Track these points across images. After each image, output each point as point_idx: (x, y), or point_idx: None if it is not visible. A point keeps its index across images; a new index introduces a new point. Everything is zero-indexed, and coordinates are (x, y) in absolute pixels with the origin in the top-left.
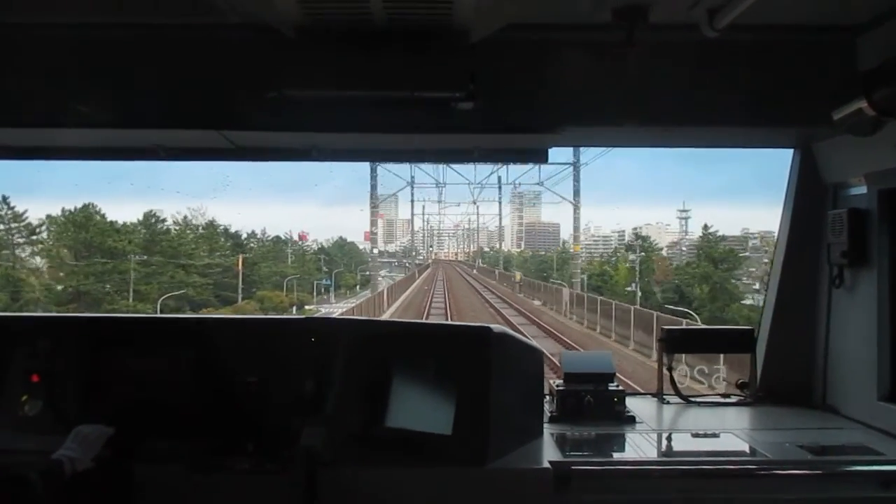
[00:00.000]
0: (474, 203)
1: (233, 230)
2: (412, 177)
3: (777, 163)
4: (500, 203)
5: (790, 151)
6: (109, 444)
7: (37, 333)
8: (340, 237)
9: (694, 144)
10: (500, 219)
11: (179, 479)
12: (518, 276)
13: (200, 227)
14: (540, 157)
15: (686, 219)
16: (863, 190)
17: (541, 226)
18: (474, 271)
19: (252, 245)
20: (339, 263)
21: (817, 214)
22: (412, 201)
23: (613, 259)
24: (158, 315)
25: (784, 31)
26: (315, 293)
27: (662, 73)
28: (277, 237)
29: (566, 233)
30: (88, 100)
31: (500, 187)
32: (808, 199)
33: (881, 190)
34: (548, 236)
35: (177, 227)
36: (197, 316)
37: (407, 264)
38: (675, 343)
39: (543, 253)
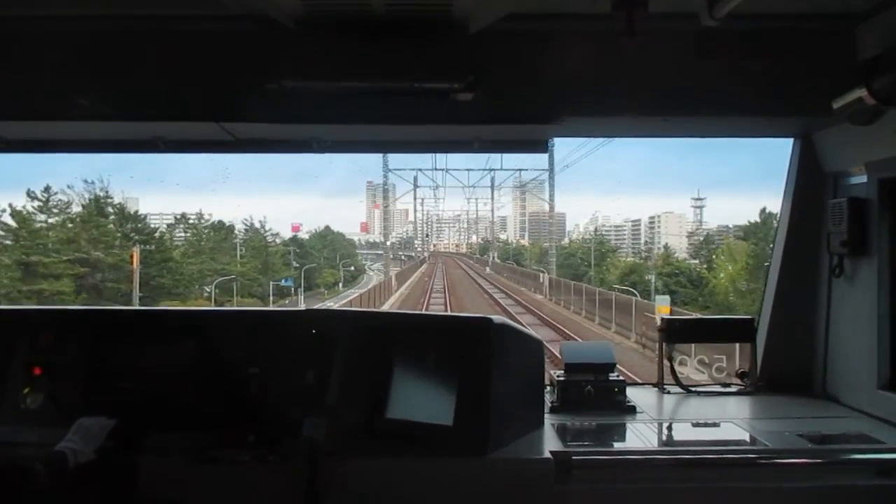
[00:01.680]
0: (490, 186)
1: (141, 212)
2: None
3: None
4: (550, 174)
5: (791, 140)
6: (111, 435)
7: (38, 326)
8: (326, 227)
9: (694, 134)
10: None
11: (181, 470)
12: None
13: (74, 207)
14: (540, 148)
15: (701, 208)
16: (863, 179)
17: (545, 215)
18: (488, 270)
19: (181, 234)
20: (318, 257)
21: (817, 204)
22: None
23: (703, 252)
24: (160, 307)
25: (784, 19)
26: (272, 296)
27: (662, 62)
28: (220, 222)
29: (571, 223)
30: (88, 92)
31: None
32: (808, 189)
33: (881, 179)
34: (551, 226)
35: (32, 210)
36: (198, 308)
37: (389, 255)
38: (676, 333)
39: (568, 243)
